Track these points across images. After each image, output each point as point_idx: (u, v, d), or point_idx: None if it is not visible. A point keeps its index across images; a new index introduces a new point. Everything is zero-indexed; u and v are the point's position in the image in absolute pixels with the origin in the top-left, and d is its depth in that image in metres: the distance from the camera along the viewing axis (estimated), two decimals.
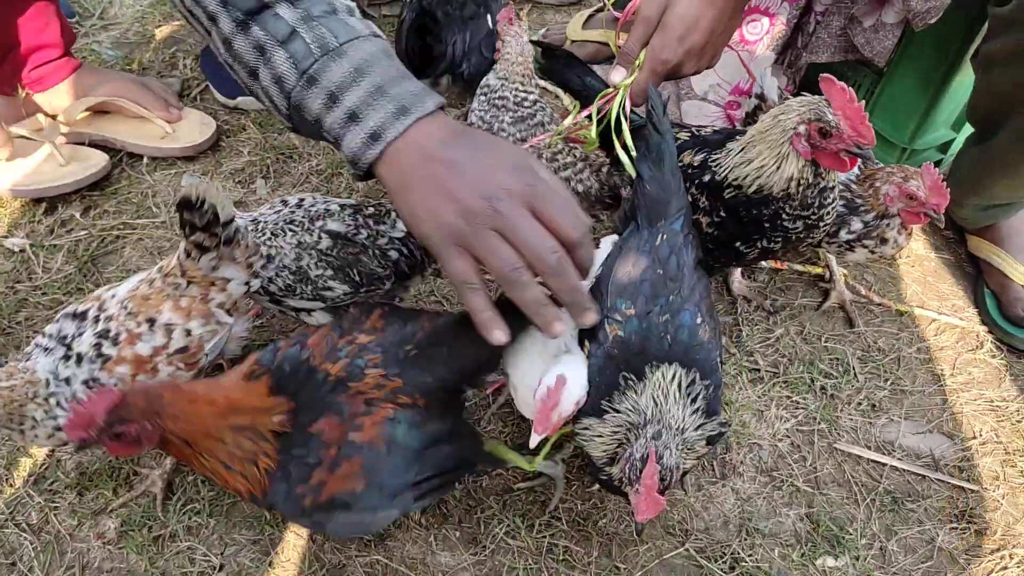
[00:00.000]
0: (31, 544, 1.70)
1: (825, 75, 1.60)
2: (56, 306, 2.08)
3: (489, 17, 2.39)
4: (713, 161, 1.78)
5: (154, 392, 1.30)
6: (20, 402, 1.46)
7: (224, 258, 1.56)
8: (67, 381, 1.50)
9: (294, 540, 1.73)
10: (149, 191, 2.41)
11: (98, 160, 2.37)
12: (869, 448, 1.97)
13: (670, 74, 1.81)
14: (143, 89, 2.48)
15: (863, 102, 1.58)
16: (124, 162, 2.48)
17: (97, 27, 2.97)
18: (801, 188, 1.67)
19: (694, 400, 1.42)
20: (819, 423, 2.00)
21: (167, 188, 2.43)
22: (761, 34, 2.61)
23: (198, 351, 1.59)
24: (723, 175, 1.74)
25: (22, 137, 2.30)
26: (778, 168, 1.66)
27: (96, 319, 1.55)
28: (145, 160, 2.48)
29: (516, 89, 2.11)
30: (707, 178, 1.78)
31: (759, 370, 2.10)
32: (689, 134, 1.91)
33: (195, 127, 2.51)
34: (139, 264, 2.22)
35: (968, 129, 2.49)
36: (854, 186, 1.99)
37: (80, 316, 1.56)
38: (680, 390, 1.41)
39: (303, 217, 1.76)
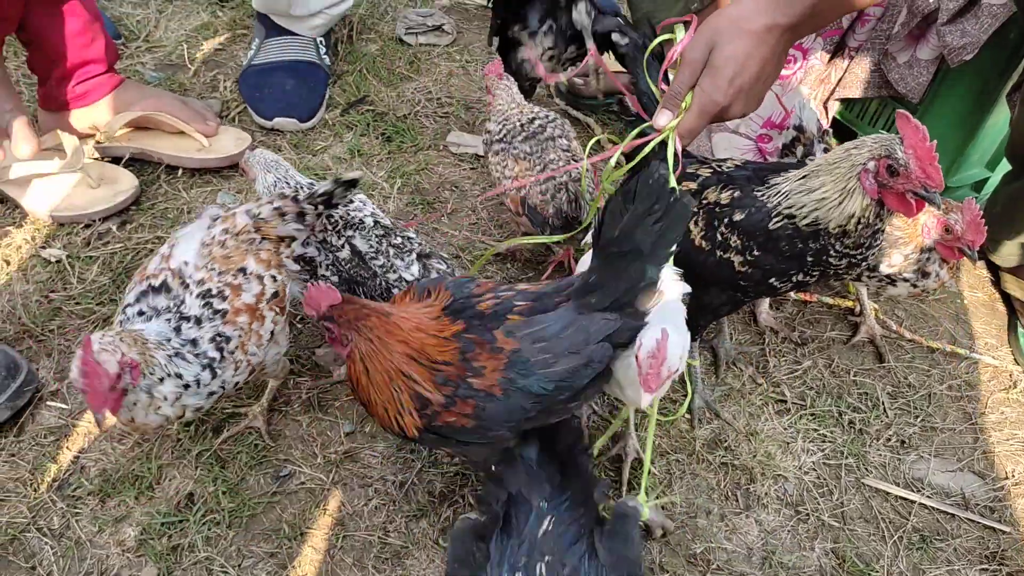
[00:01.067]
0: (51, 549, 1.71)
1: (901, 111, 1.56)
2: (89, 315, 2.12)
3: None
4: (758, 191, 1.76)
5: (364, 310, 1.48)
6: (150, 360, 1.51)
7: (302, 229, 1.72)
8: (194, 343, 1.57)
9: (311, 555, 1.72)
10: (184, 206, 2.45)
11: (127, 185, 2.41)
12: (897, 484, 1.93)
13: (718, 116, 1.79)
14: (182, 105, 2.53)
15: (934, 142, 1.53)
16: (161, 177, 2.53)
17: (141, 49, 3.04)
18: (859, 227, 1.64)
19: None
20: (846, 457, 1.97)
21: (202, 204, 2.47)
22: (795, 69, 2.62)
23: (284, 295, 1.71)
24: (776, 202, 1.71)
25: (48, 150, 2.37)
26: (840, 203, 1.63)
27: (185, 284, 1.60)
28: (181, 174, 2.53)
29: (518, 119, 2.20)
30: (739, 216, 1.76)
31: (786, 401, 2.07)
32: (711, 170, 1.90)
33: (231, 141, 2.56)
34: None
35: (1003, 168, 2.47)
36: (894, 219, 1.97)
37: (162, 288, 1.60)
38: None
39: (339, 218, 1.84)
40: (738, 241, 1.75)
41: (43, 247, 2.29)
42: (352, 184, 1.65)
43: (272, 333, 1.70)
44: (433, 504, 1.82)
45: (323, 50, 2.91)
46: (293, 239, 1.73)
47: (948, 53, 2.25)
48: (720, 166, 1.91)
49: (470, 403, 1.46)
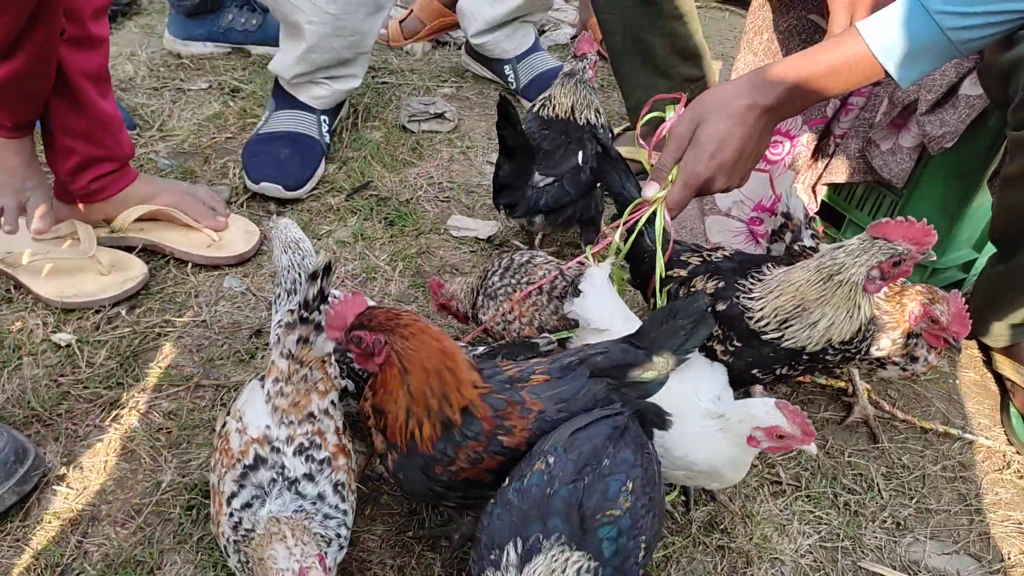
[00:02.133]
0: None
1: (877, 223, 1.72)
2: (97, 399, 2.16)
3: (580, 153, 2.49)
4: (740, 287, 1.84)
5: (394, 311, 1.51)
6: None
7: (321, 330, 1.66)
8: (321, 497, 1.55)
9: None
10: (192, 291, 2.52)
11: (137, 272, 2.49)
12: (894, 568, 1.94)
13: (702, 189, 1.90)
14: (192, 200, 2.63)
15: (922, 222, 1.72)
16: (171, 263, 2.61)
17: (155, 138, 3.17)
18: (870, 326, 1.76)
19: None
20: (842, 540, 1.98)
21: (209, 289, 2.54)
22: (783, 155, 2.72)
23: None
24: (786, 344, 1.78)
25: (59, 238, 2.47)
26: (851, 318, 1.73)
27: (276, 450, 1.57)
28: (190, 264, 2.60)
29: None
30: (721, 307, 1.83)
31: (780, 483, 2.09)
32: (700, 259, 1.98)
33: (240, 236, 2.64)
34: (178, 360, 2.30)
35: (990, 249, 2.54)
36: (883, 303, 2.03)
37: (258, 462, 1.56)
38: None
39: None
40: (720, 331, 1.81)
41: (53, 331, 2.35)
42: (328, 269, 1.58)
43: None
44: None
45: (325, 128, 3.04)
46: (330, 354, 1.69)
47: (928, 142, 2.33)
48: (710, 255, 1.99)
49: (497, 459, 1.54)
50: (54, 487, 1.97)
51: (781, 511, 2.03)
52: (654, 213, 1.95)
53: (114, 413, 2.15)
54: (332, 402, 1.66)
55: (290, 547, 1.41)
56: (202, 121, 3.28)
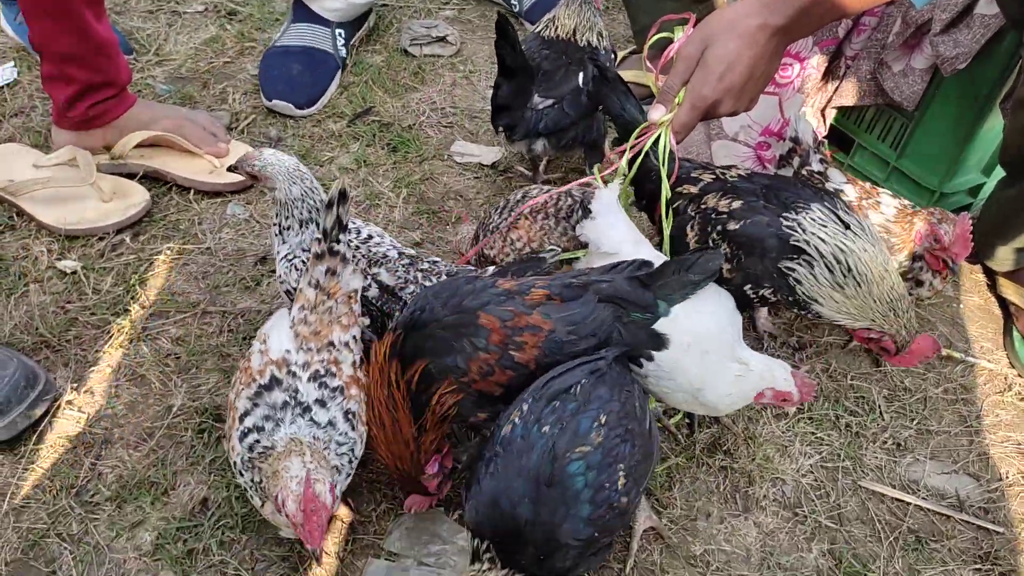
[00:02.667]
0: (71, 554, 1.76)
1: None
2: (104, 325, 2.18)
3: (581, 75, 2.42)
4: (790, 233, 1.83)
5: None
6: None
7: (348, 263, 1.67)
8: (332, 424, 1.58)
9: (324, 559, 1.77)
10: (196, 218, 2.51)
11: (139, 198, 2.47)
12: (894, 486, 1.98)
13: (708, 112, 1.86)
14: (193, 125, 2.59)
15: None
16: (173, 190, 2.59)
17: (152, 63, 3.11)
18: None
19: None
20: (843, 460, 2.01)
21: (212, 216, 2.53)
22: (792, 78, 2.67)
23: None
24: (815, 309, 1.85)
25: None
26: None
27: (292, 373, 1.60)
28: (192, 190, 2.58)
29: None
30: (734, 227, 1.83)
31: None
32: (713, 176, 1.96)
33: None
34: (183, 287, 2.31)
35: (999, 173, 2.51)
36: (892, 225, 2.02)
37: (272, 383, 1.59)
38: None
39: (364, 256, 1.86)
40: (727, 250, 1.81)
41: (58, 259, 2.35)
42: (343, 196, 1.59)
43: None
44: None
45: (340, 42, 3.01)
46: (357, 291, 1.71)
47: (941, 63, 2.29)
48: (724, 173, 1.97)
49: (508, 374, 1.58)
50: (65, 411, 2.00)
51: (783, 433, 2.06)
52: (660, 137, 1.92)
53: (122, 339, 2.16)
54: (354, 337, 1.66)
55: (305, 461, 1.45)
56: (199, 45, 3.22)
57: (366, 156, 2.76)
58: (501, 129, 2.46)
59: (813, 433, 2.06)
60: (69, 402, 2.02)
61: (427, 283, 1.84)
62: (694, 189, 1.92)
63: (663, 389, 1.73)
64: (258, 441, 1.54)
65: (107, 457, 1.93)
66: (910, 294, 2.06)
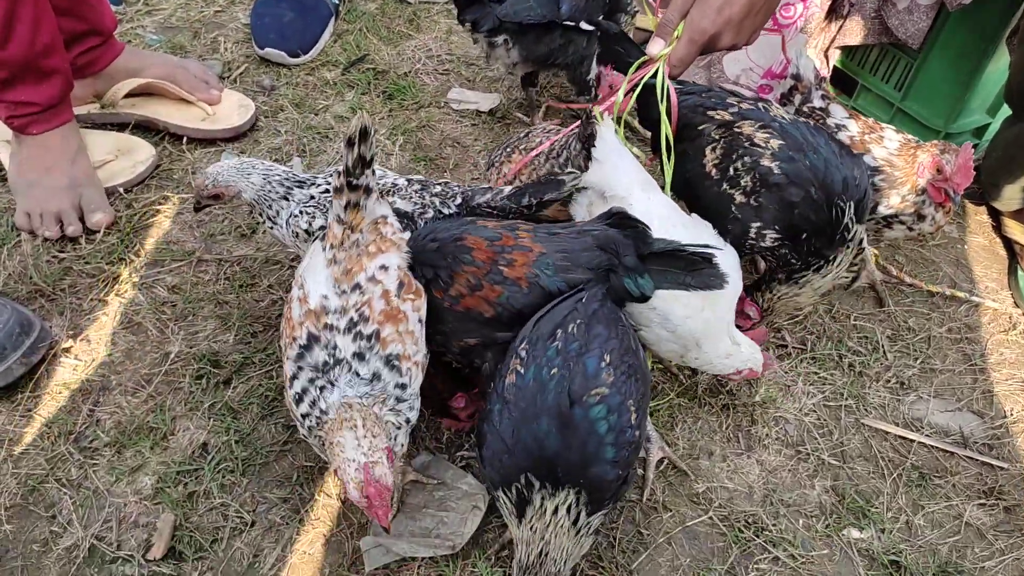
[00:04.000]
0: (70, 499, 1.75)
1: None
2: (99, 274, 2.15)
3: None
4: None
5: None
6: None
7: (372, 192, 1.58)
8: (377, 377, 1.52)
9: (323, 500, 1.77)
10: (189, 167, 2.48)
11: (146, 155, 2.43)
12: (897, 424, 1.96)
13: (708, 46, 1.82)
14: (185, 72, 2.55)
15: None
16: (167, 139, 2.55)
17: (141, 12, 3.05)
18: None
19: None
20: (846, 399, 2.00)
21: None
22: (795, 17, 2.61)
23: (407, 279, 1.60)
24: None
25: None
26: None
27: (329, 327, 1.52)
28: (185, 139, 2.54)
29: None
30: (768, 164, 1.78)
31: (786, 346, 2.10)
32: (752, 104, 1.89)
33: (234, 109, 2.57)
34: (179, 236, 2.28)
35: (1004, 114, 2.48)
36: (896, 159, 1.99)
37: (311, 341, 1.52)
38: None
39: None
40: (750, 183, 1.77)
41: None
42: (364, 133, 1.48)
43: (421, 322, 1.60)
44: (440, 449, 1.86)
45: None
46: (386, 216, 1.63)
47: None
48: (767, 107, 1.90)
49: (496, 290, 1.56)
50: (62, 359, 1.98)
51: (786, 373, 2.04)
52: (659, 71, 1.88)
53: (117, 287, 2.14)
54: (382, 266, 1.57)
55: (359, 437, 1.41)
56: None
57: (361, 104, 2.72)
58: (467, 23, 2.39)
59: (816, 373, 2.05)
60: (66, 350, 2.00)
61: (445, 210, 1.81)
62: (726, 114, 1.85)
63: (660, 334, 1.72)
64: (311, 410, 1.50)
65: (105, 403, 1.91)
66: (911, 230, 2.03)
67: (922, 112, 2.56)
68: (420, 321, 1.59)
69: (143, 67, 2.52)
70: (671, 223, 1.77)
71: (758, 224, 1.81)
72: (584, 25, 2.37)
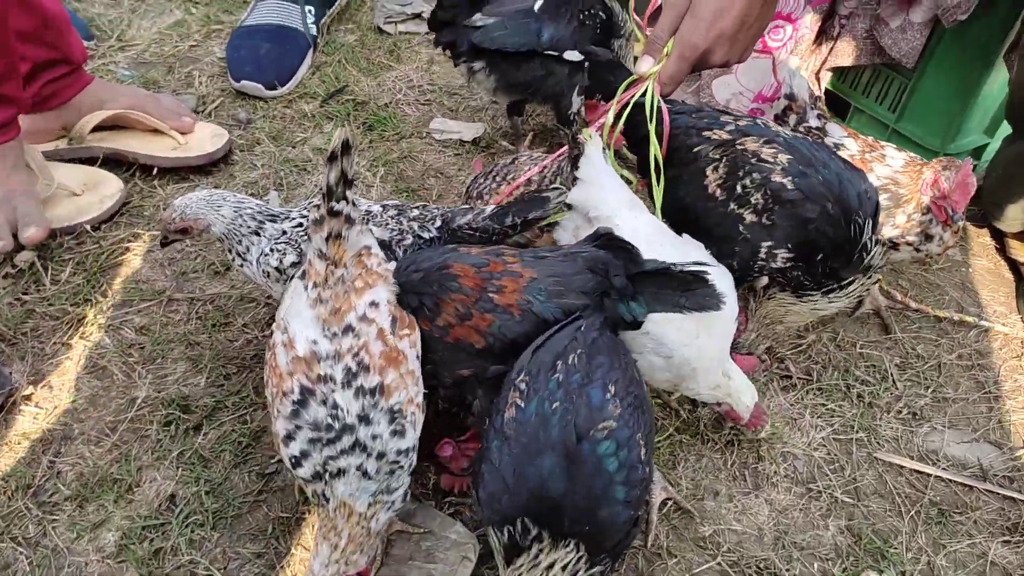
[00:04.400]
0: (26, 558, 1.61)
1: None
2: (63, 316, 2.03)
3: (539, 1, 2.26)
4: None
5: None
6: None
7: (355, 222, 1.44)
8: (374, 439, 1.41)
9: (300, 553, 1.64)
10: (161, 203, 2.37)
11: (114, 189, 2.32)
12: (912, 458, 1.86)
13: (699, 62, 1.74)
14: (156, 102, 2.46)
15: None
16: (137, 175, 2.44)
17: (114, 48, 2.96)
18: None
19: None
20: (857, 432, 1.89)
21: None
22: (784, 40, 2.56)
23: (400, 313, 1.48)
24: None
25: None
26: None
27: (324, 378, 1.39)
28: (156, 172, 2.44)
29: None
30: (780, 179, 1.69)
31: (791, 377, 1.99)
32: (749, 121, 1.81)
33: (207, 138, 2.48)
34: (148, 275, 2.16)
35: (1002, 133, 2.41)
36: (901, 176, 1.91)
37: (306, 396, 1.38)
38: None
39: None
40: (761, 200, 1.68)
41: (14, 252, 2.19)
42: (347, 147, 1.34)
43: (418, 357, 1.48)
44: (426, 495, 1.73)
45: (310, 19, 2.89)
46: (369, 247, 1.49)
47: (942, 13, 2.18)
48: (767, 124, 1.82)
49: (487, 319, 1.46)
50: (22, 407, 1.85)
51: (792, 405, 1.93)
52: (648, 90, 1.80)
53: (82, 330, 2.02)
54: (372, 302, 1.44)
55: (333, 558, 1.41)
56: (164, 29, 3.07)
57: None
58: (443, 47, 2.32)
59: (823, 404, 1.94)
60: (26, 397, 1.87)
61: (424, 234, 1.70)
62: (723, 134, 1.76)
63: (653, 361, 1.62)
64: (317, 482, 1.41)
65: (67, 454, 1.78)
66: (918, 251, 1.95)
67: (918, 133, 2.49)
68: (418, 357, 1.48)
69: (112, 98, 2.43)
70: (660, 243, 1.67)
71: (769, 243, 1.71)
72: (568, 55, 2.30)
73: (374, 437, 1.40)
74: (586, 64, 2.26)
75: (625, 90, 1.83)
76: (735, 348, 1.86)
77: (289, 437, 1.40)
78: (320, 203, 1.40)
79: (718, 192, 1.74)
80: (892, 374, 2.01)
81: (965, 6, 2.13)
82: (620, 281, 1.48)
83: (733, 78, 2.62)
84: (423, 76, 2.91)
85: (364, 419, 1.39)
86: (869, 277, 1.78)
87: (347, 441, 1.39)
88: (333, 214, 1.39)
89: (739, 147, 1.72)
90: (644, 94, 1.79)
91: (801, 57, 2.55)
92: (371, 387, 1.39)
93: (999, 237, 2.40)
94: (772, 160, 1.68)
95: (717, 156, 1.74)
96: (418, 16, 3.10)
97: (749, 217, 1.71)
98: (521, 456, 1.30)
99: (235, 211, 1.76)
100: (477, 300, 1.48)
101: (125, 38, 3.03)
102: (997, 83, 2.33)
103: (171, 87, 2.80)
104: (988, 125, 2.50)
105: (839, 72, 2.62)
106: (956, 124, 2.43)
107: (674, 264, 1.49)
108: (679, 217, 1.81)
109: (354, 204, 1.42)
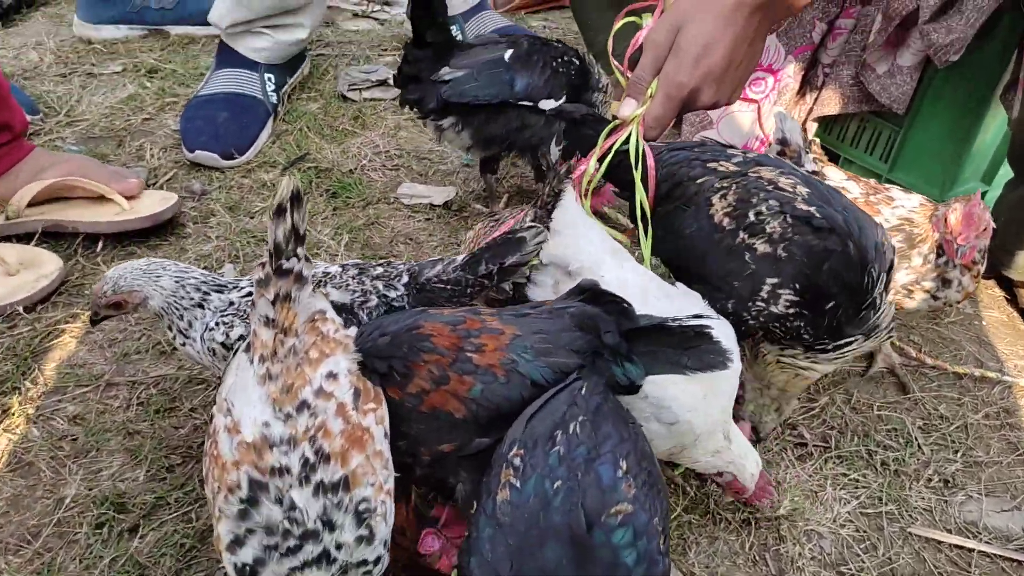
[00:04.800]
0: None
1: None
2: None
3: (510, 51, 2.15)
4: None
5: None
6: None
7: (306, 283, 1.22)
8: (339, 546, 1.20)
9: None
10: None
11: (51, 268, 2.11)
12: (949, 531, 1.65)
13: (687, 102, 1.61)
14: (99, 166, 2.28)
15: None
16: (79, 252, 2.24)
17: (62, 123, 2.80)
18: None
19: None
20: (886, 504, 1.68)
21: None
22: (767, 91, 2.45)
23: (363, 384, 1.26)
24: None
25: None
26: None
27: (278, 471, 1.17)
28: (101, 248, 2.24)
29: None
30: (805, 208, 1.51)
31: (806, 444, 1.79)
32: (754, 156, 1.66)
33: (155, 200, 2.30)
34: (86, 358, 1.94)
35: (1001, 180, 2.30)
36: (916, 215, 1.76)
37: (256, 492, 1.16)
38: None
39: None
40: (778, 228, 1.50)
41: None
42: (297, 199, 1.15)
43: (387, 436, 1.26)
44: None
45: (270, 87, 2.75)
46: (324, 311, 1.28)
47: (934, 53, 2.08)
48: (779, 158, 1.68)
49: (467, 382, 1.26)
50: None
51: (810, 476, 1.73)
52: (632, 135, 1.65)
53: (7, 422, 1.77)
54: (330, 373, 1.22)
55: None
56: (115, 104, 2.92)
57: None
58: (410, 104, 2.17)
59: (845, 474, 1.73)
60: None
61: (390, 292, 1.51)
62: (731, 165, 1.59)
63: (653, 429, 1.42)
64: None
65: None
66: (935, 298, 1.78)
67: (913, 182, 2.36)
68: (386, 435, 1.26)
69: (52, 164, 2.25)
70: (652, 295, 1.49)
71: (774, 281, 1.52)
72: (544, 104, 2.16)
73: (339, 546, 1.17)
74: (562, 125, 2.12)
75: (607, 136, 1.68)
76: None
77: (237, 543, 1.16)
78: (267, 261, 1.20)
79: (726, 221, 1.55)
80: (916, 438, 1.82)
81: (959, 44, 2.03)
82: (613, 339, 1.28)
83: (715, 132, 2.50)
84: (390, 141, 2.76)
85: (328, 524, 1.16)
86: (868, 338, 1.59)
87: (312, 551, 1.16)
88: (282, 273, 1.20)
89: (752, 175, 1.55)
90: (628, 139, 1.64)
91: (785, 108, 2.43)
92: (333, 481, 1.17)
93: (1008, 287, 2.25)
94: (791, 190, 1.52)
95: (725, 185, 1.57)
96: (384, 83, 2.98)
97: (761, 248, 1.52)
98: (519, 547, 1.08)
99: (176, 282, 1.56)
100: (454, 361, 1.27)
101: (74, 114, 2.87)
102: (994, 125, 2.23)
103: (121, 161, 2.63)
104: (986, 170, 2.39)
105: (825, 124, 2.52)
106: (952, 171, 2.31)
107: (672, 319, 1.30)
108: (675, 254, 1.64)
109: (307, 260, 1.22)
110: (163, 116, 2.87)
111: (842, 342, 1.56)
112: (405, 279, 1.52)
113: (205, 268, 2.16)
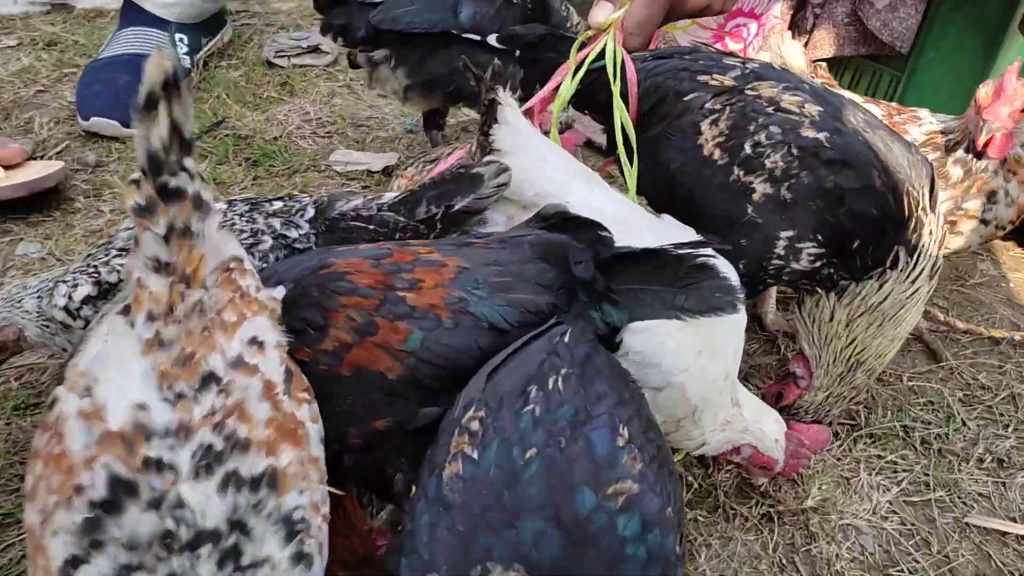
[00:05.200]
0: None
1: None
2: None
3: None
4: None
5: None
6: None
7: (209, 208, 0.84)
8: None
9: None
10: None
11: None
12: (1013, 520, 1.33)
13: (674, 3, 1.30)
14: None
15: None
16: None
17: None
18: None
19: None
20: (934, 490, 1.36)
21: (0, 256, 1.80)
22: (750, 38, 2.16)
23: (295, 368, 0.91)
24: None
25: None
26: None
27: (161, 466, 0.79)
28: None
29: None
30: (811, 134, 1.20)
31: (829, 423, 1.46)
32: (760, 63, 1.33)
33: (37, 167, 1.96)
34: None
35: None
36: (952, 122, 1.48)
37: (119, 493, 0.79)
38: None
39: None
40: (780, 164, 1.18)
41: None
42: (173, 83, 0.79)
43: (322, 440, 0.92)
44: None
45: (183, 49, 2.40)
46: (240, 259, 0.91)
47: None
48: (785, 68, 1.36)
49: (401, 329, 0.93)
50: None
51: (840, 459, 1.40)
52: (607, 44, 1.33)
53: None
54: (254, 339, 0.86)
55: None
56: (6, 77, 2.54)
57: (217, 174, 2.09)
58: (335, 31, 1.83)
59: (880, 455, 1.41)
60: None
61: (291, 232, 1.17)
62: (727, 80, 1.26)
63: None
64: None
65: None
66: (984, 223, 1.50)
67: None
68: (321, 439, 0.90)
69: None
70: (633, 226, 1.16)
71: (790, 234, 1.21)
72: (492, 41, 1.83)
73: (257, 563, 0.81)
74: (516, 53, 1.79)
75: (579, 49, 1.36)
76: (795, 416, 1.34)
77: (75, 563, 0.79)
78: (141, 179, 0.82)
79: (717, 154, 1.23)
80: (958, 411, 1.51)
81: None
82: (585, 271, 0.95)
83: None
84: (322, 109, 2.41)
85: (239, 526, 0.80)
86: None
87: (206, 554, 0.79)
88: (170, 195, 0.81)
89: (750, 94, 1.23)
90: (604, 52, 1.33)
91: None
92: (253, 475, 0.81)
93: None
94: (798, 111, 1.20)
95: (718, 107, 1.25)
96: (316, 49, 2.63)
97: (761, 188, 1.21)
98: (473, 530, 0.73)
99: (36, 304, 1.23)
100: (381, 303, 0.94)
101: None
102: (1009, 59, 1.95)
103: (6, 133, 2.24)
104: None
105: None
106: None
107: (665, 248, 0.97)
108: (660, 192, 1.32)
109: (203, 179, 0.85)
110: (59, 87, 2.49)
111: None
112: (310, 213, 1.17)
113: (91, 244, 1.80)
